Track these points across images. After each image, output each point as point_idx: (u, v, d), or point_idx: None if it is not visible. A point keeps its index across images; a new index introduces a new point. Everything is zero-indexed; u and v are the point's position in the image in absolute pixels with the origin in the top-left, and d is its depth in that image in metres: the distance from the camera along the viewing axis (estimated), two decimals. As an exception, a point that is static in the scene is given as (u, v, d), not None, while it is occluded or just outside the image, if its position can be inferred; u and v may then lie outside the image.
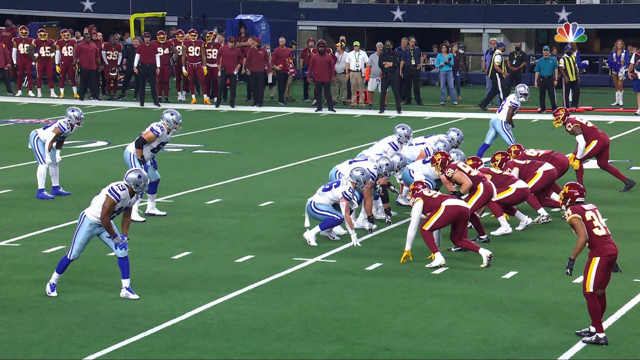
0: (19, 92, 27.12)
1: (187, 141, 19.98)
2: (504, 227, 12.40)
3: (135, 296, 9.70)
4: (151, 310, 9.39)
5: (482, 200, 11.95)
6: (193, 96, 26.34)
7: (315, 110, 24.55)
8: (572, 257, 8.69)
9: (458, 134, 13.67)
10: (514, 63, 27.32)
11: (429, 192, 11.29)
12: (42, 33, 26.75)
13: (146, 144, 12.82)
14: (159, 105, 25.39)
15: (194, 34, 26.10)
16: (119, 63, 26.29)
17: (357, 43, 26.02)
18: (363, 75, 25.63)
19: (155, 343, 8.60)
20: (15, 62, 26.97)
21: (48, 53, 26.55)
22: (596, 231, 8.65)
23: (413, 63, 26.17)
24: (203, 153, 18.74)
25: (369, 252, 11.62)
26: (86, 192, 14.52)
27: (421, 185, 11.32)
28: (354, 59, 25.57)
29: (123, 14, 34.46)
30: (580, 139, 14.53)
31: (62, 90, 26.83)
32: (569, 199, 8.87)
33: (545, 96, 24.85)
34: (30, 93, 27.06)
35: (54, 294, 9.73)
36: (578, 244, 8.65)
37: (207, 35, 26.02)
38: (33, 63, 26.85)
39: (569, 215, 8.71)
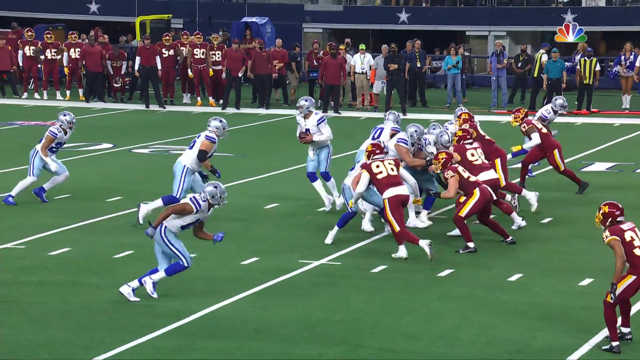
0: (25, 95, 27.17)
1: (193, 143, 19.98)
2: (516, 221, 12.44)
3: (154, 295, 9.67)
4: (156, 312, 9.40)
5: (477, 206, 11.84)
6: (198, 98, 26.38)
7: (321, 112, 24.54)
8: (614, 281, 8.43)
9: (417, 130, 13.67)
10: (519, 65, 27.30)
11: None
12: (49, 35, 26.81)
13: (208, 154, 12.59)
14: (164, 108, 25.43)
15: (199, 36, 26.13)
16: (123, 72, 26.27)
17: (362, 46, 26.03)
18: (368, 77, 25.64)
19: (161, 345, 8.61)
20: (21, 64, 27.01)
21: (54, 55, 26.61)
22: (637, 251, 8.38)
23: (418, 65, 26.18)
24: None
25: (374, 254, 11.62)
26: (91, 194, 14.55)
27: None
28: (359, 62, 25.58)
29: (129, 17, 34.53)
30: (535, 136, 14.44)
31: (68, 92, 26.87)
32: (610, 219, 8.54)
33: (552, 98, 24.79)
34: (36, 95, 27.11)
35: (155, 295, 9.65)
36: (617, 267, 8.36)
37: (213, 37, 26.06)
38: (39, 65, 26.91)
39: (607, 237, 8.44)
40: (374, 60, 25.66)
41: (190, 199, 9.71)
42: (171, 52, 25.60)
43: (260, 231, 12.60)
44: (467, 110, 14.19)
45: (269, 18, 31.86)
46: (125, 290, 9.70)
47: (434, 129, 13.37)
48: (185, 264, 9.74)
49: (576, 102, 24.92)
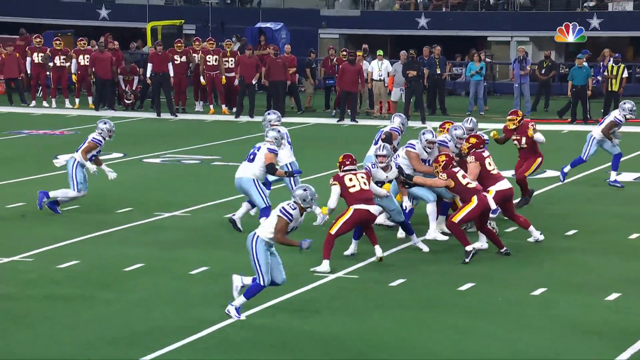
0: (33, 103, 27.32)
1: (205, 152, 20.06)
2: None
3: (242, 317, 9.52)
4: (169, 327, 9.41)
5: (473, 213, 11.87)
6: (211, 106, 26.45)
7: (337, 121, 24.58)
8: None
9: (400, 116, 13.63)
10: (543, 72, 27.25)
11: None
12: (58, 42, 26.95)
13: (274, 165, 12.73)
14: (176, 116, 25.51)
15: (212, 42, 26.21)
16: (134, 87, 26.35)
17: (380, 52, 26.05)
18: (386, 84, 25.65)
19: (172, 361, 8.62)
20: (29, 71, 27.15)
21: (63, 62, 26.73)
22: None
23: (438, 72, 26.18)
24: (221, 165, 18.80)
25: (392, 267, 11.61)
26: (102, 205, 14.60)
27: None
28: (377, 68, 25.60)
29: (140, 22, 34.68)
30: (539, 135, 14.26)
31: (77, 100, 27.00)
32: None
33: (577, 106, 24.73)
34: (45, 103, 27.24)
35: (243, 317, 9.56)
36: None
37: (226, 43, 26.13)
38: (48, 73, 27.03)
39: None
40: (392, 67, 25.67)
41: (280, 210, 9.57)
42: (183, 58, 25.68)
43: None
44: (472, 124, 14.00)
45: (284, 23, 31.93)
46: (232, 312, 9.58)
47: (455, 129, 13.30)
48: (263, 284, 9.57)
49: (602, 110, 24.84)
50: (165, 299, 10.26)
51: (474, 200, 11.84)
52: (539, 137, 14.25)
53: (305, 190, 9.67)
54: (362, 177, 11.60)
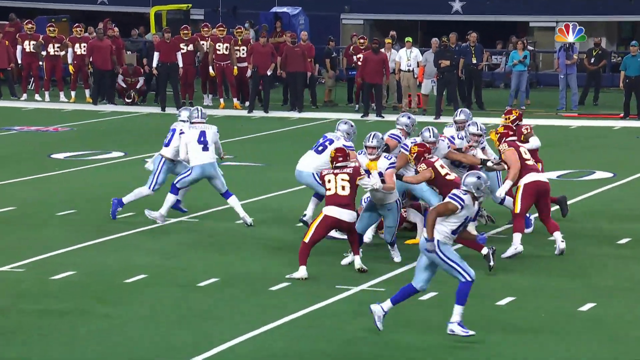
0: (24, 96, 27.49)
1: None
2: (515, 246, 12.36)
3: (470, 332, 9.45)
4: (172, 344, 9.46)
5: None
6: (221, 100, 26.53)
7: (362, 116, 24.60)
8: None
9: (409, 118, 13.61)
10: (592, 61, 27.17)
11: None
12: (51, 28, 27.10)
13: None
14: (183, 111, 25.58)
15: (222, 29, 26.26)
16: (138, 86, 26.45)
17: (408, 39, 26.05)
18: (415, 76, 25.64)
19: (178, 382, 8.67)
20: (20, 61, 27.30)
21: (57, 51, 26.87)
22: None
23: (474, 62, 26.15)
24: (232, 165, 18.85)
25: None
26: (99, 210, 14.68)
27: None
28: (405, 58, 25.59)
29: (142, 7, 34.84)
30: (535, 139, 13.98)
31: (73, 93, 27.15)
32: None
33: (630, 99, 24.64)
34: (37, 97, 27.40)
35: (472, 332, 9.47)
36: None
37: (237, 30, 26.19)
38: (40, 62, 27.17)
39: None
40: (423, 56, 25.66)
41: (450, 196, 9.62)
42: (190, 47, 25.75)
43: (292, 253, 12.63)
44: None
45: (302, 8, 31.98)
46: (457, 330, 9.48)
47: (469, 125, 13.35)
48: (469, 278, 9.52)
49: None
50: (170, 314, 10.31)
51: None
52: (534, 142, 13.72)
53: (479, 178, 9.67)
54: (343, 179, 11.66)
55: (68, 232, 13.48)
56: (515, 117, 13.70)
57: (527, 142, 13.39)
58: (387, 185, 11.76)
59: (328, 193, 11.69)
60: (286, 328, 9.96)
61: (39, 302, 10.66)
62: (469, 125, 13.32)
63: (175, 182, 13.86)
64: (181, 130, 13.96)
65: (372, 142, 12.01)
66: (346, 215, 11.60)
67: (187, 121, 14.02)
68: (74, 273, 11.66)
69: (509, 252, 12.33)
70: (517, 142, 12.90)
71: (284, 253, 12.58)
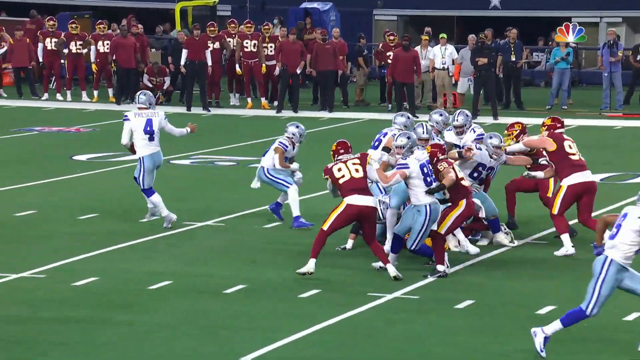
0: (45, 95, 27.66)
1: (242, 153, 20.14)
2: (566, 247, 12.33)
3: (543, 353, 9.31)
4: (198, 353, 9.47)
5: (460, 219, 12.01)
6: (249, 99, 26.57)
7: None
8: None
9: (441, 115, 13.56)
10: (638, 58, 26.96)
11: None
12: (74, 25, 27.24)
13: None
14: (209, 111, 25.67)
15: (249, 25, 26.30)
16: (164, 87, 26.53)
17: (443, 35, 25.98)
18: (451, 74, 25.57)
19: (203, 393, 8.67)
20: (41, 59, 27.47)
21: (80, 49, 27.02)
22: None
23: (513, 59, 26.04)
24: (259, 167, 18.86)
25: (458, 286, 11.57)
26: (121, 214, 14.73)
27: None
28: (439, 55, 25.51)
29: (167, 3, 34.97)
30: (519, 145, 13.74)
31: (95, 93, 27.28)
32: None
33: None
34: (59, 96, 27.56)
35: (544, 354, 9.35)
36: None
37: (265, 27, 26.20)
38: (62, 61, 27.33)
39: None
40: (459, 54, 25.59)
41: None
42: (216, 44, 25.80)
43: (323, 258, 12.61)
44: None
45: (333, 3, 31.98)
46: (538, 343, 9.32)
47: (491, 137, 13.09)
48: (588, 313, 9.17)
49: None
50: (195, 323, 10.32)
51: (462, 204, 11.94)
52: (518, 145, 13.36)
53: None
54: (354, 163, 11.71)
55: (90, 237, 13.53)
56: (519, 130, 13.47)
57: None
58: (382, 175, 11.69)
59: (342, 180, 11.67)
60: (316, 337, 9.95)
61: (59, 309, 10.70)
62: (490, 137, 13.04)
63: (142, 187, 13.94)
64: (125, 115, 14.12)
65: (400, 141, 11.91)
66: (369, 201, 11.60)
67: (295, 136, 14.09)
68: (96, 279, 11.70)
69: (561, 251, 12.29)
70: (563, 134, 12.79)
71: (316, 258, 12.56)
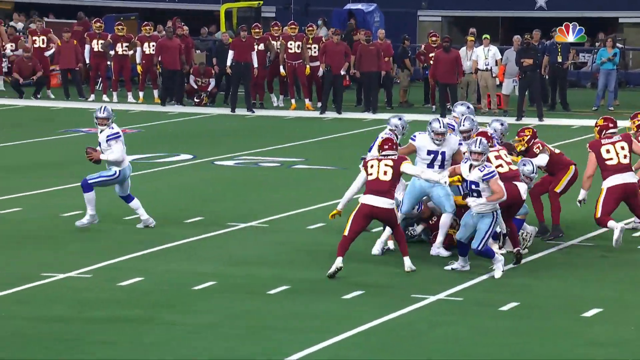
0: (92, 97, 27.87)
1: (286, 154, 20.18)
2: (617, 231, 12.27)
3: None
4: (241, 355, 9.49)
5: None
6: (293, 101, 26.61)
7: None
8: None
9: (502, 124, 13.34)
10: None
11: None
12: (120, 27, 27.43)
13: None
14: (253, 112, 25.74)
15: (293, 27, 26.34)
16: (209, 89, 26.66)
17: (486, 36, 25.87)
18: (494, 75, 25.46)
19: (247, 394, 8.69)
20: (88, 61, 27.69)
21: (125, 51, 27.20)
22: None
23: (559, 60, 25.87)
24: (304, 168, 18.89)
25: (503, 287, 11.51)
26: (166, 214, 14.81)
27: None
28: (482, 56, 25.42)
29: (212, 4, 35.12)
30: (543, 157, 13.31)
31: (141, 94, 27.45)
32: None
33: None
34: (105, 97, 27.76)
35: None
36: None
37: (309, 29, 26.23)
38: (108, 62, 27.54)
39: None
40: (504, 55, 25.47)
41: None
42: (261, 46, 25.87)
43: (367, 260, 12.61)
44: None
45: (377, 4, 31.95)
46: None
47: (524, 165, 12.80)
48: None
49: None
50: (238, 323, 10.35)
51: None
52: (541, 159, 13.19)
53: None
54: (387, 165, 11.75)
55: (135, 238, 13.61)
56: (529, 135, 13.32)
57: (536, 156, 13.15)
58: (494, 196, 11.59)
59: (370, 178, 11.76)
60: (360, 338, 9.94)
61: (105, 309, 10.78)
62: (523, 164, 12.64)
63: (119, 194, 14.06)
64: (118, 133, 14.39)
65: (478, 147, 11.78)
66: (382, 202, 11.63)
67: (398, 128, 13.59)
68: (141, 279, 11.77)
69: (617, 234, 12.26)
70: (601, 141, 12.72)
71: (357, 260, 12.56)
